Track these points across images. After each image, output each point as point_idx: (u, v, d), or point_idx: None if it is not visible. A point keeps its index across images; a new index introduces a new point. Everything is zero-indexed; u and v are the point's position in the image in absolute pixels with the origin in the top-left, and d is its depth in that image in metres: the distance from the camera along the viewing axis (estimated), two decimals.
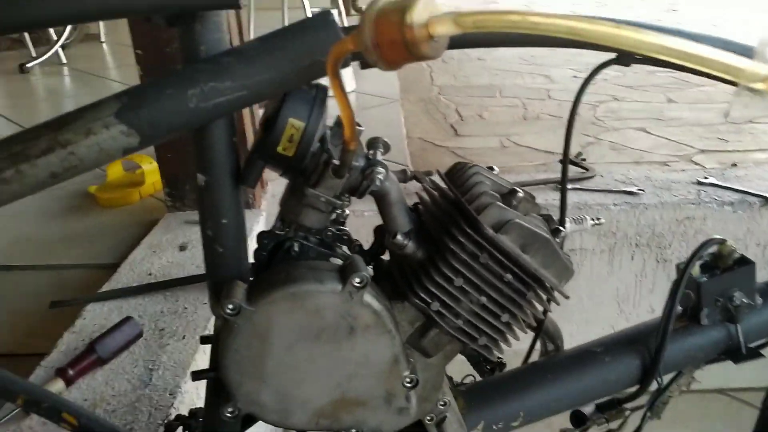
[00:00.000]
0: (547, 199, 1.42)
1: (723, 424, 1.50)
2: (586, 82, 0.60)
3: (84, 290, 1.21)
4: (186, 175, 1.35)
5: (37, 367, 0.86)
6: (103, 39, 4.03)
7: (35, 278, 1.26)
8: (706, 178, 1.54)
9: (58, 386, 0.80)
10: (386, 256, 0.61)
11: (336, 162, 0.48)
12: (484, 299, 0.52)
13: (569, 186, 1.50)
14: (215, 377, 0.55)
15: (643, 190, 1.45)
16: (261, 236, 0.56)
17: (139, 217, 1.45)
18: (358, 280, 0.48)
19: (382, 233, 0.61)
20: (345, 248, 0.60)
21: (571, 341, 0.72)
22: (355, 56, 0.40)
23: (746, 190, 1.46)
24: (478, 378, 0.71)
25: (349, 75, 2.62)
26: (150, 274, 1.10)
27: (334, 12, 4.17)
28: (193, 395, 0.84)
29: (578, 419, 0.71)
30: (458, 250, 0.50)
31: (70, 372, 0.82)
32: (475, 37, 0.51)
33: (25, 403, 0.62)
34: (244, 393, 0.51)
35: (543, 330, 0.68)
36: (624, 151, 1.95)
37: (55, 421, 0.63)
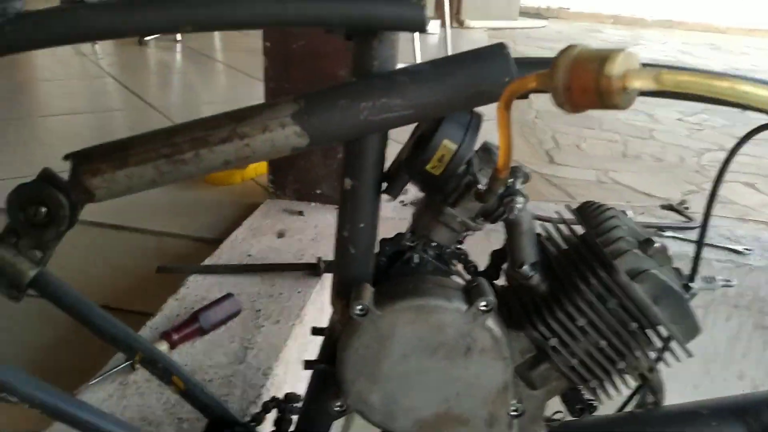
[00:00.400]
0: None
1: None
2: (741, 142, 0.58)
3: (184, 259, 1.29)
4: (290, 165, 1.41)
5: (143, 327, 0.93)
6: None
7: (141, 241, 1.34)
8: None
9: (163, 348, 0.86)
10: (499, 282, 0.62)
11: (481, 187, 0.49)
12: (603, 343, 0.52)
13: (668, 233, 1.45)
14: (326, 370, 0.57)
15: (751, 250, 1.38)
16: (384, 242, 0.58)
17: (239, 198, 1.52)
18: (484, 303, 0.49)
19: (499, 259, 0.62)
20: (460, 267, 0.61)
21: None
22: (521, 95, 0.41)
23: None
24: (568, 416, 0.71)
25: None
26: (249, 255, 1.16)
27: (436, 23, 4.18)
28: (282, 379, 0.88)
29: None
30: (587, 290, 0.50)
31: (175, 336, 0.87)
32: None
33: (142, 360, 0.67)
34: (356, 391, 0.53)
35: (647, 381, 0.67)
36: (729, 206, 1.86)
37: (165, 382, 0.67)
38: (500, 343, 0.51)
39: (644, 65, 0.35)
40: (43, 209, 0.51)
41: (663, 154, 2.35)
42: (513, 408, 0.53)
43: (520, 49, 4.43)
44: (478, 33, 4.87)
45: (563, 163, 2.15)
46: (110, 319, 0.64)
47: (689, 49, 5.06)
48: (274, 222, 1.32)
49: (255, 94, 2.94)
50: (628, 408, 0.71)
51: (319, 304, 1.08)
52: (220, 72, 3.28)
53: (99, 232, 1.36)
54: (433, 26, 4.23)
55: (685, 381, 1.34)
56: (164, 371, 0.67)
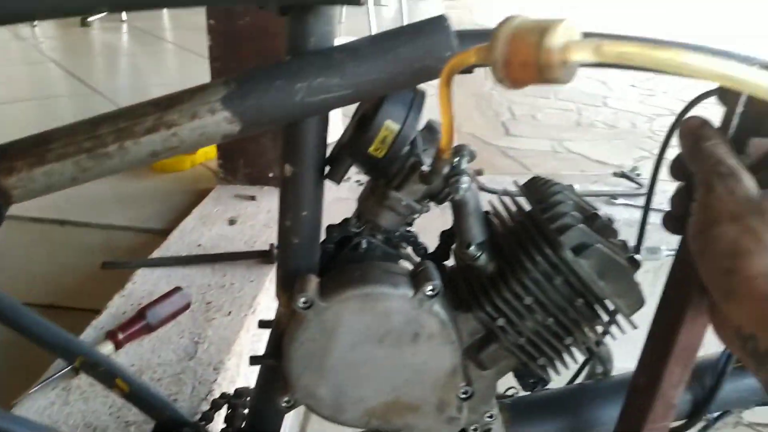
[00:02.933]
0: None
1: None
2: (686, 110, 0.58)
3: (132, 252, 1.24)
4: (241, 149, 1.37)
5: (88, 326, 0.89)
6: None
7: (87, 235, 1.29)
8: None
9: (107, 348, 0.83)
10: (449, 262, 0.61)
11: (425, 168, 0.48)
12: (550, 320, 0.51)
13: (620, 201, 1.47)
14: (273, 365, 0.56)
15: None
16: (330, 229, 0.56)
17: (189, 185, 1.47)
18: (430, 288, 0.48)
19: (449, 239, 0.61)
20: (410, 250, 0.60)
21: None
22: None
23: None
24: (520, 391, 0.71)
25: None
26: (199, 245, 1.12)
27: None
28: (234, 372, 0.86)
29: None
30: (533, 268, 0.50)
31: (120, 335, 0.84)
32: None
33: (82, 364, 0.64)
34: (303, 385, 0.52)
35: (596, 353, 0.67)
36: None
37: (107, 385, 0.65)
38: (447, 327, 0.50)
39: (585, 34, 0.34)
40: None
41: (616, 120, 2.39)
42: (462, 391, 0.53)
43: (477, 19, 4.41)
44: (434, 4, 4.83)
45: (519, 135, 2.16)
46: (46, 324, 0.61)
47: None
48: (225, 208, 1.28)
49: (203, 72, 2.85)
50: (579, 380, 0.72)
51: (272, 293, 1.06)
52: (170, 52, 3.15)
53: (40, 228, 1.30)
54: None
55: (641, 343, 1.37)
56: (106, 374, 0.64)
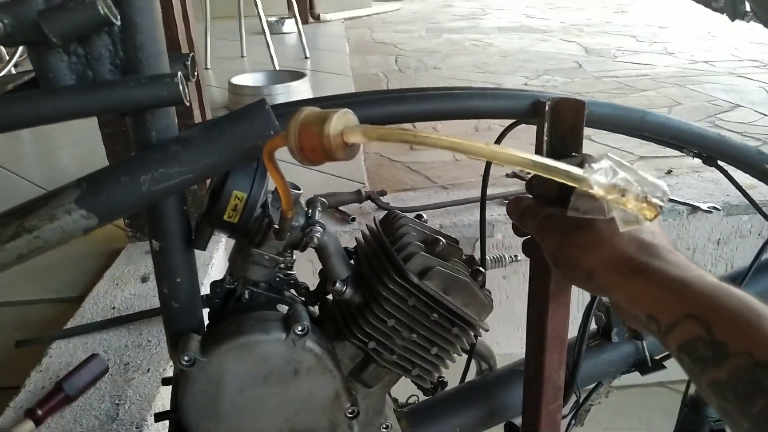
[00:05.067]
0: (493, 214, 1.51)
1: (663, 415, 1.61)
2: (501, 137, 0.67)
3: (48, 324, 1.25)
4: None
5: (6, 408, 0.90)
6: None
7: None
8: None
9: (27, 427, 0.84)
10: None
11: (276, 226, 0.54)
12: (414, 336, 0.59)
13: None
14: (176, 418, 0.61)
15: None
16: (213, 286, 0.62)
17: (99, 246, 1.48)
18: (300, 328, 0.55)
19: (326, 277, 0.68)
20: (293, 291, 0.66)
21: (507, 343, 0.78)
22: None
23: (675, 199, 1.57)
24: (422, 397, 0.79)
25: (306, 87, 2.69)
26: (113, 308, 1.14)
27: (290, 21, 4.20)
28: (159, 427, 0.89)
29: (511, 430, 0.79)
30: (389, 295, 0.57)
31: (39, 412, 0.86)
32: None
33: None
34: None
35: (475, 353, 0.76)
36: None
37: None
38: (323, 359, 0.57)
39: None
40: None
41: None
42: (349, 411, 0.60)
43: (377, 36, 4.54)
44: (335, 25, 4.93)
45: (422, 148, 2.27)
46: None
47: (532, 12, 5.43)
48: (137, 267, 1.30)
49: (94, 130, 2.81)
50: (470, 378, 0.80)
51: None
52: None
53: None
54: (289, 25, 4.26)
55: None
56: None
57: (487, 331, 0.61)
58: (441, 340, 0.60)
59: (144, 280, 1.24)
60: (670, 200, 1.57)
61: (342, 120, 0.39)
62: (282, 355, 0.55)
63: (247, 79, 2.83)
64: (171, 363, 0.99)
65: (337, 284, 0.59)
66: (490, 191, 1.70)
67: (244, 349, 0.54)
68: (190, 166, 0.48)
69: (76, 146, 2.44)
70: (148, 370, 0.97)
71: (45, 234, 0.46)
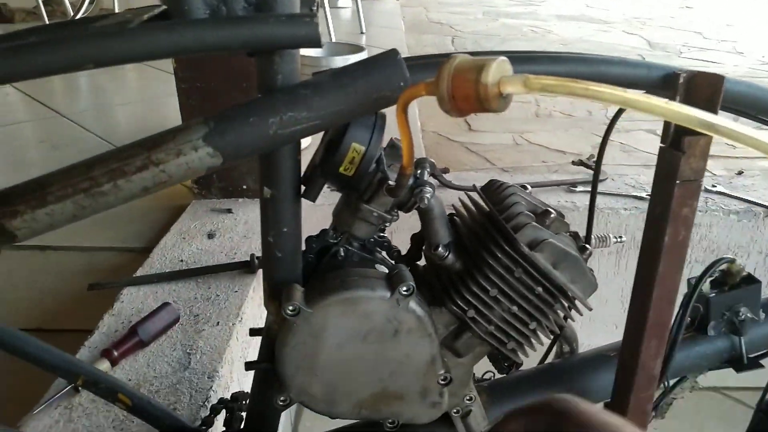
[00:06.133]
0: (560, 200, 1.47)
1: (716, 422, 1.57)
2: (613, 121, 0.64)
3: (114, 272, 1.27)
4: None
5: (81, 347, 0.92)
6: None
7: (68, 259, 1.31)
8: (714, 186, 1.59)
9: (104, 366, 0.86)
10: (421, 262, 0.67)
11: (391, 183, 0.53)
12: (515, 308, 0.57)
13: (580, 188, 1.55)
14: (266, 368, 0.61)
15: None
16: (309, 240, 0.62)
17: (164, 202, 1.50)
18: (405, 288, 0.54)
19: (419, 241, 0.66)
20: (384, 253, 0.65)
21: (579, 337, 0.76)
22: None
23: (751, 199, 1.51)
24: (497, 374, 0.77)
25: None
26: (181, 261, 1.16)
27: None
28: (228, 379, 0.90)
29: None
30: (495, 264, 0.56)
31: (115, 353, 0.87)
32: None
33: (84, 383, 0.68)
34: (297, 384, 0.57)
35: (561, 334, 0.74)
36: (634, 154, 2.00)
37: (110, 401, 0.69)
38: (424, 321, 0.56)
39: (513, 55, 0.39)
40: None
41: (572, 110, 2.47)
42: (442, 378, 0.59)
43: (432, 16, 4.48)
44: (390, 3, 4.89)
45: (481, 130, 2.23)
46: (47, 348, 0.64)
47: (592, 2, 5.28)
48: (202, 223, 1.31)
49: (168, 89, 2.85)
50: (549, 360, 0.78)
51: (257, 301, 1.10)
52: (128, 69, 3.14)
53: (21, 255, 1.31)
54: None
55: (607, 321, 1.46)
56: (108, 390, 0.68)
57: (590, 310, 0.59)
58: (541, 315, 0.58)
59: (210, 236, 1.25)
60: (746, 200, 1.51)
61: (500, 69, 0.38)
62: (384, 314, 0.54)
63: (306, 50, 2.82)
64: (241, 318, 1.00)
65: (440, 249, 0.58)
66: (555, 177, 1.67)
67: (348, 304, 0.54)
68: (318, 111, 0.47)
69: (132, 105, 2.48)
70: (218, 323, 0.97)
71: (170, 168, 0.46)
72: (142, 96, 2.69)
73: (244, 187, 1.42)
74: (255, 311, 1.08)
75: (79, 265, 1.30)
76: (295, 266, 0.58)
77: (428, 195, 0.55)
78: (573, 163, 1.63)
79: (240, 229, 1.29)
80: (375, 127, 0.52)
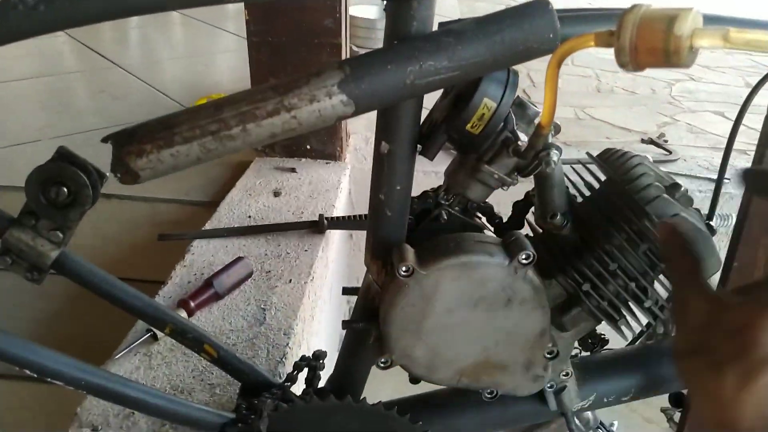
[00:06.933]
0: None
1: None
2: (757, 87, 0.60)
3: (178, 225, 1.28)
4: None
5: (155, 296, 0.92)
6: None
7: (132, 208, 1.32)
8: None
9: (182, 316, 0.86)
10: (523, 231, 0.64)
11: (521, 143, 0.50)
12: (633, 284, 0.54)
13: None
14: (364, 328, 0.59)
15: (729, 179, 1.44)
16: (411, 201, 0.59)
17: (227, 157, 1.48)
18: (524, 256, 0.51)
19: (523, 209, 0.64)
20: (484, 220, 0.63)
21: None
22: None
23: None
24: (582, 352, 0.75)
25: None
26: (249, 217, 1.15)
27: None
28: (301, 337, 0.90)
29: (677, 401, 0.75)
30: (619, 237, 0.53)
31: (192, 304, 0.87)
32: None
33: (171, 331, 0.67)
34: (401, 347, 0.55)
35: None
36: (702, 135, 1.92)
37: (196, 351, 0.68)
38: (540, 293, 0.53)
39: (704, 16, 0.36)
40: (65, 189, 0.50)
41: (635, 86, 2.38)
42: (548, 351, 0.56)
43: None
44: None
45: (540, 102, 2.16)
46: (136, 294, 0.64)
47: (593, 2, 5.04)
48: (267, 180, 1.30)
49: (220, 43, 2.84)
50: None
51: (324, 261, 1.09)
52: (177, 23, 3.13)
53: None
54: None
55: None
56: (195, 341, 0.68)
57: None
58: (658, 294, 0.55)
59: (276, 194, 1.24)
60: None
61: (694, 21, 0.34)
62: (500, 282, 0.52)
63: (361, 11, 2.77)
64: (312, 277, 0.99)
65: (558, 217, 0.55)
66: None
67: (464, 269, 0.51)
68: (459, 61, 0.44)
69: (182, 60, 2.47)
70: (290, 280, 0.97)
71: (302, 115, 0.44)
72: (189, 51, 2.67)
73: (308, 147, 1.40)
74: (323, 271, 1.08)
75: (143, 215, 1.31)
76: (402, 226, 0.56)
77: (555, 158, 0.52)
78: (642, 141, 1.57)
79: (305, 188, 1.28)
80: (508, 83, 0.49)
